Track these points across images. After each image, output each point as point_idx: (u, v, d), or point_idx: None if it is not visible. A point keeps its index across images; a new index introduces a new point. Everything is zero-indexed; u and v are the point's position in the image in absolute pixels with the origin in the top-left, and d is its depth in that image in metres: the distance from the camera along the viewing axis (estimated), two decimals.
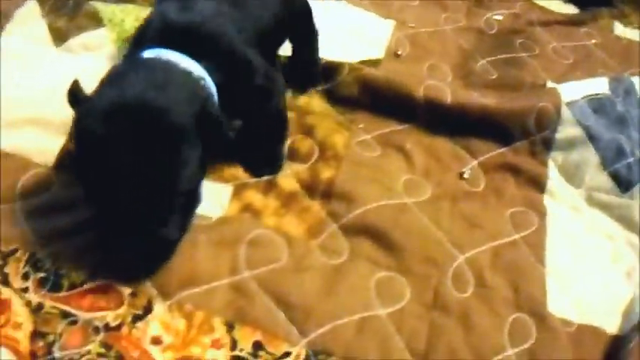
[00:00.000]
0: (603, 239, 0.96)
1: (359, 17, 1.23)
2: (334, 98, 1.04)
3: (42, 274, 0.77)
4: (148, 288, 0.77)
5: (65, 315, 0.74)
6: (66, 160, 0.87)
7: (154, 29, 0.81)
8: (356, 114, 1.03)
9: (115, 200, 0.69)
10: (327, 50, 1.10)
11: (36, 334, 0.72)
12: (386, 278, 0.83)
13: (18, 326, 0.72)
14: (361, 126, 1.01)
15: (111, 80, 0.74)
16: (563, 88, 1.09)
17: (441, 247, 0.87)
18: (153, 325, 0.74)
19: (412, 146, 1.00)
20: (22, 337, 0.71)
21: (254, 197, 0.88)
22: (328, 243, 0.85)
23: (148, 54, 0.77)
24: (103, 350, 0.72)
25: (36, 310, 0.74)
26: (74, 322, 0.74)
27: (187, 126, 0.70)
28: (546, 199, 0.98)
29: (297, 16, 1.01)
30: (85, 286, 0.76)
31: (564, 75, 1.21)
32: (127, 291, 0.76)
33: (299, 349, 0.74)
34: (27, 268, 0.77)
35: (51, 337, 0.72)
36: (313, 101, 1.03)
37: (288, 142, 0.95)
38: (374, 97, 1.04)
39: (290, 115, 0.97)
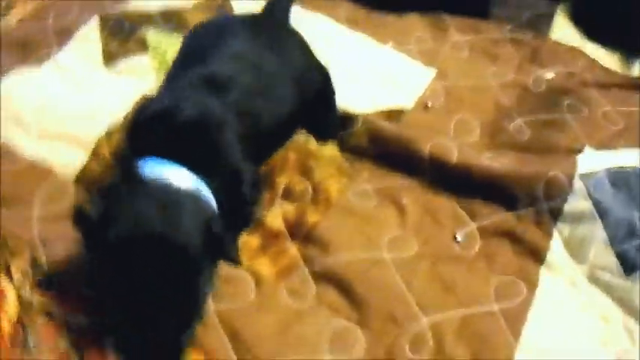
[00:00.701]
0: (597, 320, 0.91)
1: (400, 63, 1.25)
2: (345, 146, 1.07)
3: (39, 277, 0.87)
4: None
5: (47, 312, 0.83)
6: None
7: (157, 133, 0.82)
8: (363, 163, 1.06)
9: (133, 321, 0.73)
10: (357, 93, 1.13)
11: (18, 323, 0.82)
12: (343, 328, 0.85)
13: (6, 313, 0.83)
14: (364, 175, 1.03)
15: (120, 208, 0.75)
16: (587, 156, 1.05)
17: (406, 306, 0.87)
18: None
19: (410, 201, 1.00)
20: (7, 324, 0.82)
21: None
22: (297, 286, 0.89)
23: (148, 171, 0.78)
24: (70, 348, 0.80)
25: (25, 303, 0.84)
26: (52, 319, 0.83)
27: (201, 255, 0.73)
28: (543, 272, 0.95)
29: (316, 94, 1.04)
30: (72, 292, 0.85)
31: (607, 142, 1.14)
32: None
33: None
34: (28, 268, 0.88)
35: (29, 329, 0.81)
36: (325, 146, 1.07)
37: (284, 181, 1.00)
38: (381, 150, 1.06)
39: (293, 155, 1.02)
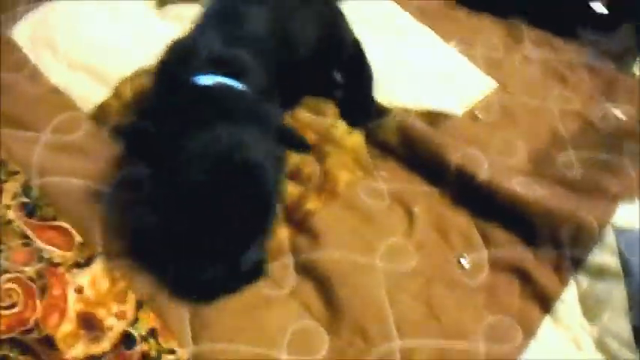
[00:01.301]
0: None
1: (459, 66, 1.17)
2: (372, 139, 1.01)
3: (26, 200, 0.86)
4: (97, 244, 0.82)
5: (24, 236, 0.83)
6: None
7: (200, 58, 0.82)
8: (386, 161, 0.99)
9: (205, 239, 0.72)
10: (402, 87, 1.06)
11: None
12: (309, 328, 0.80)
13: None
14: (383, 173, 0.97)
15: (184, 115, 0.75)
16: (630, 209, 0.94)
17: (382, 323, 0.81)
18: (83, 277, 0.80)
19: (422, 210, 0.93)
20: None
21: None
22: (276, 273, 0.84)
23: (204, 80, 0.79)
24: (34, 276, 0.79)
25: (6, 223, 0.83)
26: (27, 245, 0.82)
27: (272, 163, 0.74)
28: (547, 322, 0.86)
29: (344, 49, 1.01)
30: (52, 223, 0.84)
31: None
32: (78, 239, 0.83)
33: (183, 353, 0.75)
34: (19, 190, 0.87)
35: (3, 247, 0.81)
36: (351, 135, 1.00)
37: (295, 161, 0.94)
38: (408, 150, 0.99)
39: (313, 136, 0.96)
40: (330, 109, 1.03)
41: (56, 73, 1.01)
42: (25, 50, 1.04)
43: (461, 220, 0.94)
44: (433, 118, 1.05)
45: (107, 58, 1.02)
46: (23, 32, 1.06)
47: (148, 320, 0.78)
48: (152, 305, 0.79)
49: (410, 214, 0.93)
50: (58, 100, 0.97)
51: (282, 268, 0.85)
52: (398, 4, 1.24)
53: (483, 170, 0.96)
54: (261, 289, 0.82)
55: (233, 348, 0.76)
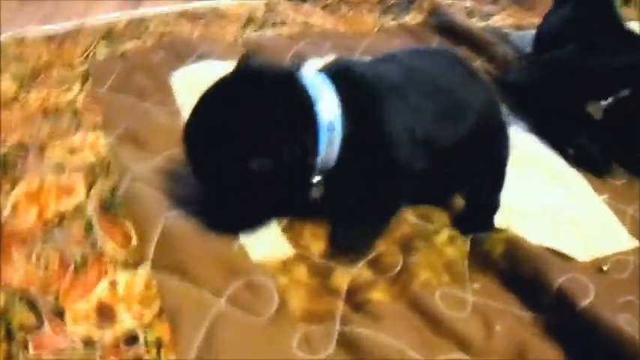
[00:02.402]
0: None
1: (601, 218, 1.00)
2: (475, 248, 0.89)
3: (108, 196, 0.90)
4: (150, 252, 0.81)
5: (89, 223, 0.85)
6: None
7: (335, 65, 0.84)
8: (485, 273, 0.85)
9: None
10: (534, 224, 0.95)
11: None
12: None
13: None
14: (476, 285, 0.84)
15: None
16: None
17: None
18: (123, 275, 0.78)
19: (504, 331, 0.77)
20: None
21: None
22: (315, 336, 0.74)
23: (307, 78, 0.79)
24: (79, 256, 0.80)
25: (79, 209, 0.86)
26: (87, 230, 0.84)
27: None
28: None
29: (492, 149, 0.92)
30: (119, 221, 0.86)
31: None
32: (134, 241, 0.83)
33: None
34: (108, 188, 0.91)
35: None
36: (454, 244, 0.90)
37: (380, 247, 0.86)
38: (511, 266, 0.85)
39: (407, 229, 0.89)
40: (437, 216, 0.94)
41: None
42: (176, 90, 1.14)
43: (546, 352, 0.76)
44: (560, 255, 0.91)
45: None
46: (180, 75, 1.19)
47: (161, 330, 0.72)
48: (171, 318, 0.73)
49: (488, 330, 0.77)
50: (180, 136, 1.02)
51: (323, 334, 0.74)
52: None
53: (589, 296, 0.79)
54: (292, 349, 0.72)
55: None
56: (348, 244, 0.85)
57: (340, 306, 0.78)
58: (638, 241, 0.97)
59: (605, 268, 0.91)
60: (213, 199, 0.83)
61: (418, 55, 0.92)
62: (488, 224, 0.92)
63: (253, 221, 0.85)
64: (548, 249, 0.90)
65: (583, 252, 0.93)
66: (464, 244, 0.90)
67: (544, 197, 1.02)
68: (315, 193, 0.82)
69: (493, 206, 0.94)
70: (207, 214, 0.84)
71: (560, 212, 1.00)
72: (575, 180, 1.08)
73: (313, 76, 0.79)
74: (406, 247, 0.87)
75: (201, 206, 0.85)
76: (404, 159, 0.79)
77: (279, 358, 0.71)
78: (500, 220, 0.93)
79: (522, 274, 0.84)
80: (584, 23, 1.23)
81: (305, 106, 0.75)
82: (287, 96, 0.75)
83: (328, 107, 0.76)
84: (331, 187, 0.81)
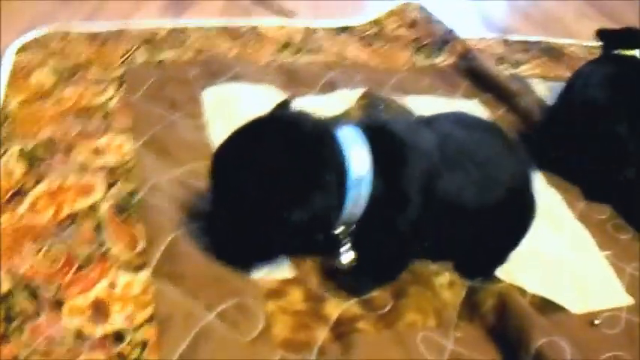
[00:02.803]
0: None
1: (598, 272, 1.02)
2: (470, 296, 0.91)
3: (123, 201, 0.94)
4: (154, 258, 0.85)
5: (98, 225, 0.90)
6: None
7: (367, 121, 0.88)
8: (471, 323, 0.88)
9: None
10: (532, 274, 0.97)
11: None
12: None
13: None
14: (458, 334, 0.86)
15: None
16: None
17: None
18: (124, 277, 0.83)
19: None
20: None
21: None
22: None
23: (342, 135, 0.81)
24: (85, 255, 0.85)
25: (93, 209, 0.91)
26: (96, 230, 0.89)
27: None
28: None
29: (516, 220, 0.94)
30: (130, 225, 0.91)
31: None
32: (141, 246, 0.87)
33: None
34: (124, 194, 0.96)
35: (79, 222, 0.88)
36: (452, 288, 0.92)
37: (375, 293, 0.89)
38: (498, 320, 0.87)
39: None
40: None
41: (215, 131, 1.12)
42: (205, 106, 1.20)
43: None
44: (543, 304, 0.93)
45: None
46: (212, 92, 1.24)
47: (149, 333, 0.76)
48: (160, 323, 0.77)
49: None
50: (203, 150, 1.06)
51: None
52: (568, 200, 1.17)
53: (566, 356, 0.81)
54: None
55: None
56: (352, 287, 0.89)
57: (323, 335, 0.81)
58: (633, 298, 0.98)
59: (596, 322, 0.92)
60: (230, 233, 0.84)
61: (459, 122, 0.93)
62: (488, 272, 0.95)
63: (265, 258, 0.89)
64: (542, 299, 0.93)
65: (577, 304, 0.94)
66: (461, 290, 0.93)
67: (547, 248, 1.04)
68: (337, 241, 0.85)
69: (498, 260, 0.96)
70: (219, 245, 0.87)
71: (561, 264, 1.01)
72: (579, 234, 1.10)
73: (349, 130, 0.82)
74: (399, 291, 0.90)
75: (212, 235, 0.89)
76: (408, 219, 0.82)
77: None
78: (500, 267, 0.95)
79: (507, 330, 0.86)
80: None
81: (337, 161, 0.78)
82: (322, 151, 0.78)
83: (359, 164, 0.79)
84: (353, 236, 0.85)
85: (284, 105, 0.87)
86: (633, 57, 1.33)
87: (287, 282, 0.87)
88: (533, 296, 0.94)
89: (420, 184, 0.81)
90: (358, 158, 0.79)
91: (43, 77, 1.22)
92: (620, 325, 0.93)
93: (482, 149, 0.88)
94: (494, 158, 0.88)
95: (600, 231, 1.11)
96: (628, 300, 0.98)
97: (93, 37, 1.39)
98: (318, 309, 0.85)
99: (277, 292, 0.86)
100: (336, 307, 0.85)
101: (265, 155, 0.76)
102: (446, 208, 0.83)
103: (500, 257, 0.96)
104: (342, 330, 0.82)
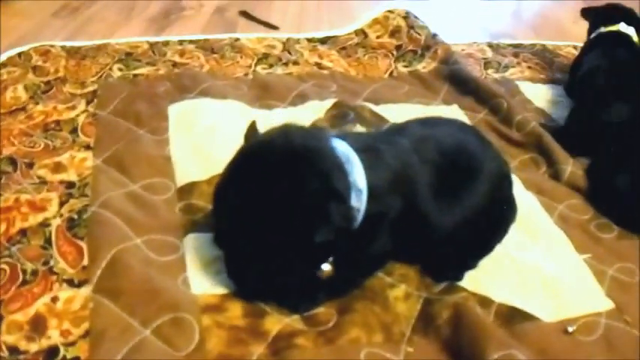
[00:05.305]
0: None
1: (577, 277, 1.00)
2: (426, 308, 0.90)
3: (75, 217, 0.96)
4: (95, 275, 0.87)
5: (47, 241, 0.92)
6: None
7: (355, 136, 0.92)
8: (426, 336, 0.86)
9: None
10: (502, 283, 0.96)
11: None
12: None
13: None
14: (409, 349, 0.84)
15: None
16: None
17: None
18: (66, 292, 0.85)
19: None
20: None
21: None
22: None
23: (338, 145, 0.84)
24: (29, 271, 0.87)
25: (44, 225, 0.94)
26: (44, 249, 0.91)
27: None
28: None
29: (494, 221, 0.96)
30: (77, 240, 0.93)
31: None
32: (85, 262, 0.89)
33: None
34: (77, 208, 0.98)
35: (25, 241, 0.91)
36: (407, 301, 0.91)
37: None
38: (453, 332, 0.86)
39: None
40: (399, 270, 0.96)
41: (176, 146, 1.14)
42: (170, 121, 1.22)
43: None
44: (510, 313, 0.91)
45: (216, 149, 1.11)
46: (177, 107, 1.26)
47: (82, 349, 0.77)
48: (94, 339, 0.78)
49: None
50: (163, 166, 1.08)
51: None
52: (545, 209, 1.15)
53: None
54: None
55: None
56: (292, 305, 0.89)
57: (258, 351, 0.81)
58: (612, 302, 0.96)
59: (570, 329, 0.90)
60: (244, 267, 0.86)
61: (427, 124, 0.96)
62: (458, 276, 0.95)
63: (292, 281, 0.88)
64: (511, 308, 0.92)
65: (550, 312, 0.92)
66: (417, 303, 0.92)
67: (519, 254, 1.02)
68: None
69: (469, 265, 0.97)
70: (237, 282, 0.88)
71: (533, 270, 0.99)
72: (556, 239, 1.08)
73: (342, 145, 0.84)
74: (345, 307, 0.89)
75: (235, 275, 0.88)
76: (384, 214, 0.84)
77: None
78: (467, 275, 0.95)
79: (462, 343, 0.84)
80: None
81: (344, 176, 0.80)
82: (329, 166, 0.80)
83: (359, 177, 0.81)
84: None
85: (252, 128, 0.87)
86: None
87: (227, 297, 0.87)
88: (500, 305, 0.92)
89: (397, 187, 0.84)
90: (358, 172, 0.81)
91: (18, 92, 1.26)
92: (599, 331, 0.91)
93: (456, 144, 0.91)
94: (473, 154, 0.91)
95: (582, 232, 1.10)
96: (606, 304, 0.96)
97: (71, 54, 1.43)
98: (256, 324, 0.85)
99: (216, 307, 0.86)
100: (276, 323, 0.85)
101: (275, 183, 0.77)
102: (423, 209, 0.86)
103: (473, 261, 0.96)
104: (280, 346, 0.82)
